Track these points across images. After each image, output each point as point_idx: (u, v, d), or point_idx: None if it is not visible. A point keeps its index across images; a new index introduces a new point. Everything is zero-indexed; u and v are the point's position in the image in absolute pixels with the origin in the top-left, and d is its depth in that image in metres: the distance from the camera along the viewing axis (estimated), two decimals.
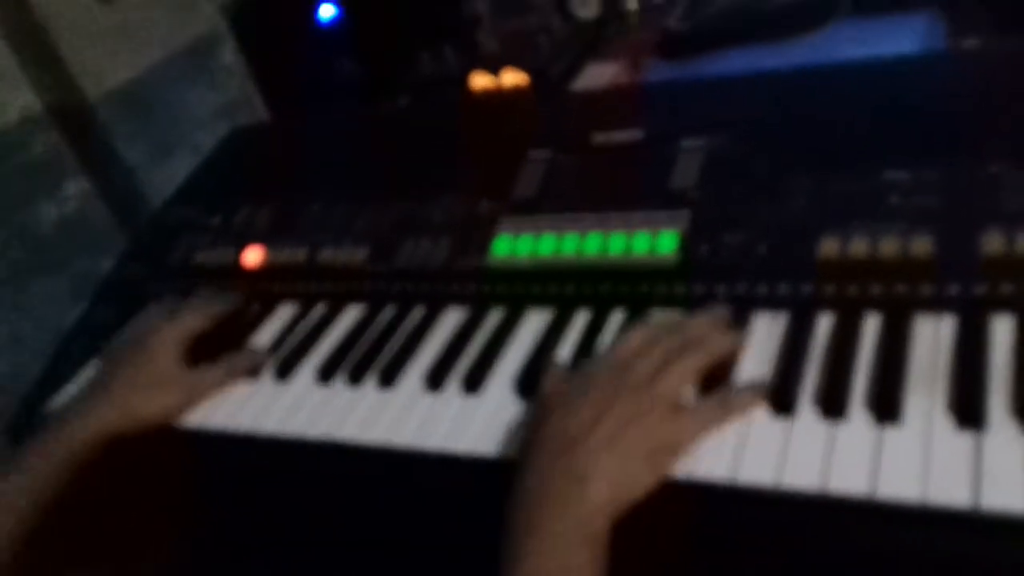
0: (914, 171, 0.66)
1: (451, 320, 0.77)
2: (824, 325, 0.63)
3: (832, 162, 0.70)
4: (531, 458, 0.57)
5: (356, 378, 0.74)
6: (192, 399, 0.76)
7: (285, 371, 0.77)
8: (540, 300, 0.75)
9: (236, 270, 0.90)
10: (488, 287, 0.77)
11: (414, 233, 0.83)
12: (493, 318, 0.75)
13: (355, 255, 0.84)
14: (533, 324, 0.73)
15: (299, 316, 0.85)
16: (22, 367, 1.11)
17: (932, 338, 0.58)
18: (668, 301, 0.69)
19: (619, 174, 0.79)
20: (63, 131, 1.23)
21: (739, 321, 0.65)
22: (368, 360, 0.75)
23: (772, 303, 0.65)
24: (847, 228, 0.64)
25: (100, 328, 0.91)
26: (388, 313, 0.80)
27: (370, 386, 0.73)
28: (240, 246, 0.91)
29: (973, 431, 0.51)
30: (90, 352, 0.87)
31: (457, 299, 0.78)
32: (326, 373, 0.75)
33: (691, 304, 0.68)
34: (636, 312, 0.70)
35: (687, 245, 0.70)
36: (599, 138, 0.83)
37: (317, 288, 0.86)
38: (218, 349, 0.79)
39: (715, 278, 0.67)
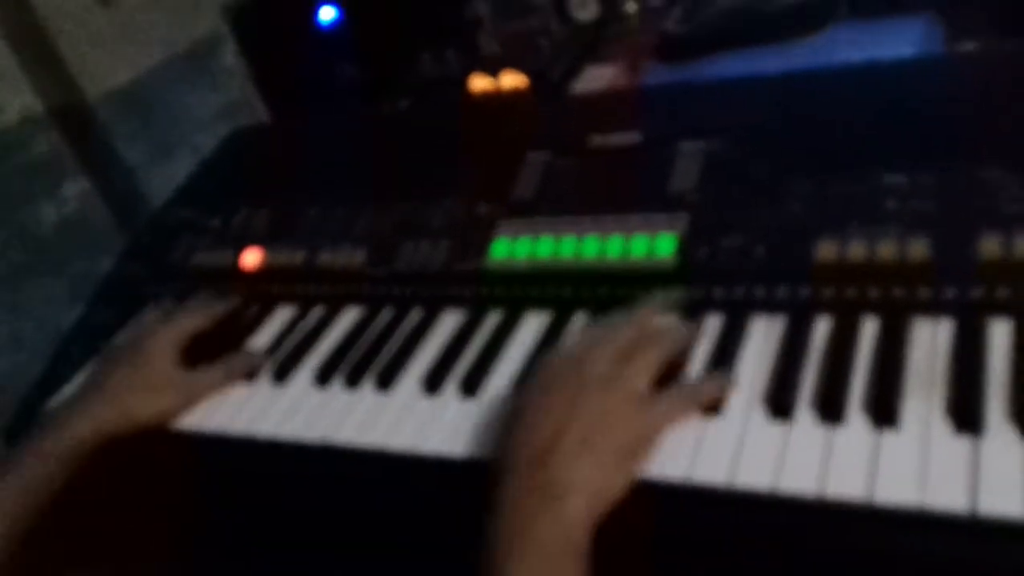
0: (912, 174, 0.66)
1: (449, 323, 0.77)
2: (822, 329, 0.62)
3: (830, 165, 0.70)
4: (504, 474, 0.56)
5: (354, 381, 0.74)
6: (189, 401, 0.76)
7: (282, 373, 0.77)
8: (538, 303, 0.75)
9: (235, 272, 0.90)
10: (486, 289, 0.77)
11: (412, 235, 0.83)
12: (491, 321, 0.75)
13: (353, 257, 0.84)
14: (531, 327, 0.73)
15: (297, 318, 0.85)
16: (21, 367, 1.12)
17: (930, 342, 0.58)
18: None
19: (617, 177, 0.79)
20: (63, 132, 1.23)
21: (736, 323, 0.65)
22: (366, 363, 0.75)
23: (770, 306, 0.65)
24: (845, 231, 0.64)
25: (99, 329, 0.91)
26: (386, 315, 0.80)
27: (368, 389, 0.73)
28: (239, 248, 0.91)
29: (971, 435, 0.51)
30: (89, 352, 0.87)
31: (455, 301, 0.78)
32: (324, 376, 0.75)
33: (689, 307, 0.68)
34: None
35: (685, 248, 0.70)
36: (597, 140, 0.83)
37: (315, 290, 0.86)
38: (216, 351, 0.79)
39: (713, 281, 0.67)
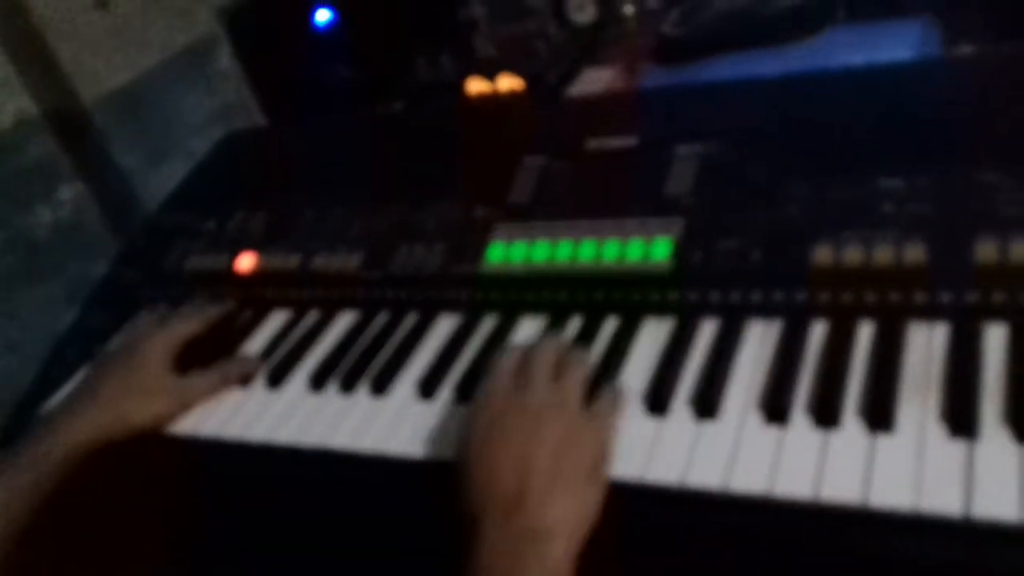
0: (908, 178, 0.66)
1: (444, 327, 0.77)
2: (817, 333, 0.62)
3: (826, 169, 0.69)
4: (477, 525, 0.54)
5: (348, 386, 0.74)
6: (183, 406, 0.76)
7: (277, 378, 0.77)
8: (534, 307, 0.75)
9: (229, 276, 0.89)
10: (482, 294, 0.77)
11: (408, 239, 0.83)
12: (487, 325, 0.75)
13: (348, 261, 0.84)
14: (527, 331, 0.73)
15: (292, 323, 0.85)
16: (16, 371, 1.11)
17: (925, 346, 0.58)
18: (662, 308, 0.69)
19: (614, 180, 0.79)
20: (58, 135, 1.23)
21: (732, 327, 0.65)
22: (360, 368, 0.75)
23: (766, 311, 0.65)
24: (841, 236, 0.64)
25: (94, 332, 0.91)
26: (381, 320, 0.80)
27: (363, 394, 0.73)
28: (234, 252, 0.91)
29: (966, 439, 0.51)
30: (84, 356, 0.87)
31: (451, 306, 0.78)
32: (318, 380, 0.75)
33: (685, 311, 0.67)
34: (630, 319, 0.70)
35: (681, 252, 0.70)
36: (594, 144, 0.82)
37: (310, 294, 0.85)
38: (210, 356, 0.79)
39: (709, 285, 0.67)
